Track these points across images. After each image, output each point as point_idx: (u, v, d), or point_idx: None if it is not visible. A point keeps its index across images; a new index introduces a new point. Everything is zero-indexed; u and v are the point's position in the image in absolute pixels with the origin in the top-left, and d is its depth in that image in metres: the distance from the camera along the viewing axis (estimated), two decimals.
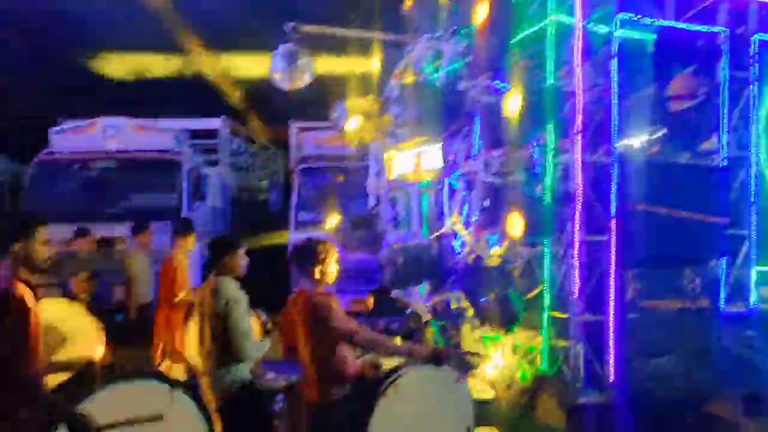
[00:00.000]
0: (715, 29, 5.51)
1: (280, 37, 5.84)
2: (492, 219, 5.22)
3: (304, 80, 5.95)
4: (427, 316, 5.58)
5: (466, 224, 5.64)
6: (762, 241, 5.65)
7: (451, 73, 5.67)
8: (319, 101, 8.08)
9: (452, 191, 5.78)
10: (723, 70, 5.52)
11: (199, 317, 4.37)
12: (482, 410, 4.65)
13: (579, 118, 5.14)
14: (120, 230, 8.00)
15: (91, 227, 7.93)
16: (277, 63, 5.90)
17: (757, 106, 5.72)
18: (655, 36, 5.34)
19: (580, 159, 5.13)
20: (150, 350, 6.07)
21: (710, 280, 5.37)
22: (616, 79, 5.21)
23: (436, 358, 3.69)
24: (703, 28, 5.45)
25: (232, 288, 4.21)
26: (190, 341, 6.41)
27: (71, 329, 4.92)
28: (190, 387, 3.77)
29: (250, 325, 4.26)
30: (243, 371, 4.20)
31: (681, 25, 5.44)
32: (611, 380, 5.15)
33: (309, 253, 3.79)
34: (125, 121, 10.74)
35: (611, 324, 5.19)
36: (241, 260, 4.28)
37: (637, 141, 5.30)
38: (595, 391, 5.16)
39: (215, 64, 15.72)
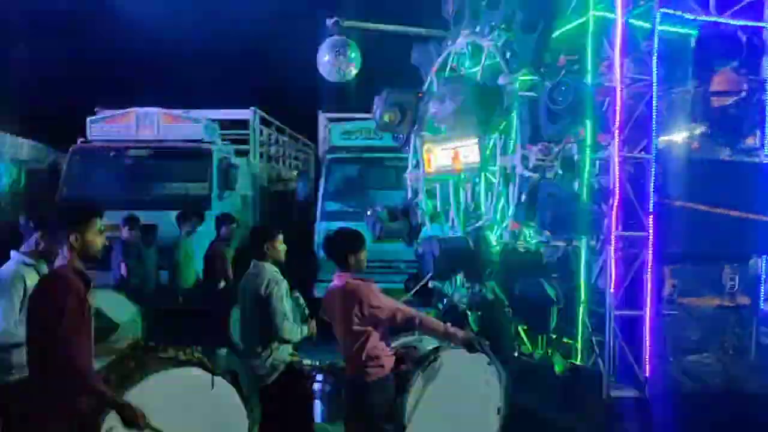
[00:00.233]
0: (761, 24, 5.44)
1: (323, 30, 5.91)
2: (528, 213, 5.25)
3: (350, 73, 6.03)
4: (463, 307, 5.65)
5: (503, 218, 5.67)
6: None
7: (491, 68, 5.69)
8: (359, 94, 8.15)
9: (489, 185, 5.81)
10: (767, 65, 5.47)
11: (242, 301, 4.53)
12: None
13: (618, 114, 5.13)
14: (161, 217, 8.19)
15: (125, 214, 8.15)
16: (323, 55, 6.00)
17: None
18: (697, 31, 5.30)
19: (618, 155, 5.14)
20: (194, 335, 6.25)
21: (750, 277, 5.34)
22: (656, 74, 5.19)
23: (470, 346, 3.77)
24: (747, 24, 5.38)
25: (271, 272, 4.37)
26: (233, 325, 6.65)
27: (118, 316, 5.11)
28: (231, 374, 3.89)
29: (290, 308, 4.40)
30: (283, 353, 4.34)
31: (724, 20, 5.38)
32: (647, 375, 5.17)
33: (341, 243, 3.92)
34: (158, 111, 10.92)
35: (648, 319, 5.21)
36: (279, 246, 4.45)
37: (677, 137, 5.28)
38: (630, 385, 5.19)
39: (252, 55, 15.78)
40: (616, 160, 5.13)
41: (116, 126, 10.73)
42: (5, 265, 3.85)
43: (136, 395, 3.31)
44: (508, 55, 5.27)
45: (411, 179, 6.75)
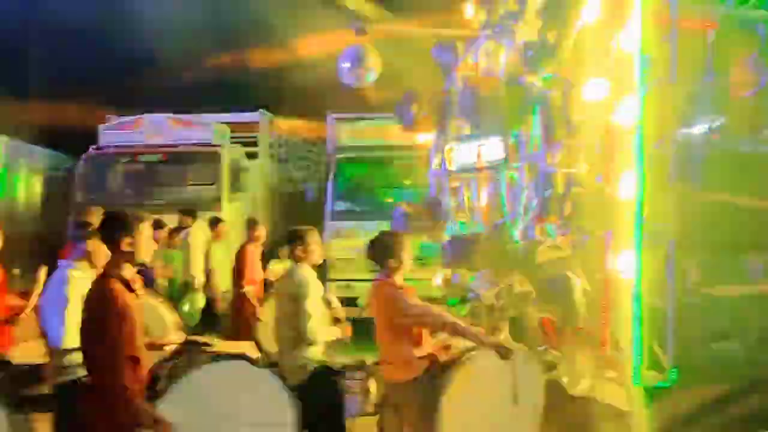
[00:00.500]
0: None
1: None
2: (552, 208, 5.34)
3: (370, 78, 6.14)
4: (490, 301, 5.75)
5: (526, 213, 5.77)
6: None
7: (512, 66, 5.78)
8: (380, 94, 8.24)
9: (513, 181, 5.91)
10: None
11: (277, 301, 4.63)
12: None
13: (638, 108, 5.22)
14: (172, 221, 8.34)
15: None
16: (343, 62, 6.10)
17: None
18: (715, 23, 5.38)
19: (640, 148, 5.22)
20: (229, 333, 6.39)
21: None
22: (675, 67, 5.28)
23: (503, 354, 3.82)
24: (766, 14, 5.47)
25: (305, 274, 4.47)
26: (265, 325, 6.77)
27: (153, 318, 5.19)
28: (274, 366, 3.98)
29: (321, 311, 4.49)
30: (315, 353, 4.43)
31: (741, 11, 5.47)
32: (672, 364, 5.27)
33: (384, 246, 4.00)
34: (166, 117, 11.06)
35: (672, 309, 5.31)
36: (315, 248, 4.53)
37: (697, 129, 5.37)
38: (657, 374, 5.28)
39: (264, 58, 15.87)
40: (638, 153, 5.22)
41: (127, 132, 10.87)
42: (55, 272, 3.94)
43: (184, 387, 3.43)
44: (529, 53, 5.35)
45: (434, 177, 6.85)
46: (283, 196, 13.40)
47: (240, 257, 6.88)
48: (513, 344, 4.93)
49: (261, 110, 12.69)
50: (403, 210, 6.50)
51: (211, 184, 10.71)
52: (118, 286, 3.08)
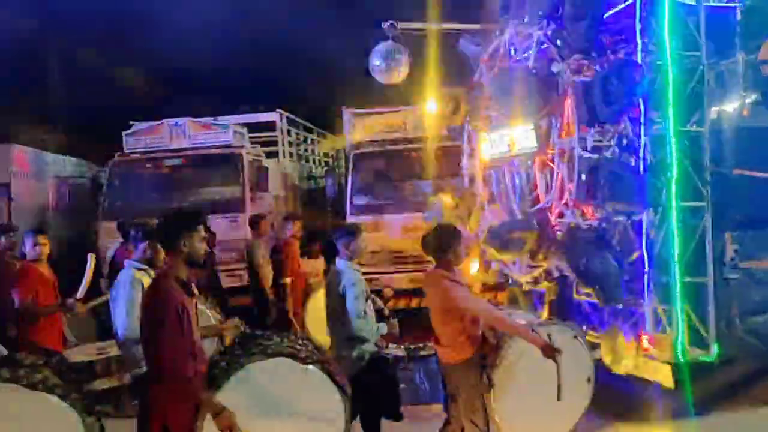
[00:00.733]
0: None
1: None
2: (590, 192, 5.44)
3: (400, 74, 6.24)
4: (527, 287, 5.87)
5: (561, 199, 5.87)
6: None
7: (542, 55, 5.86)
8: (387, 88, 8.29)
9: (545, 168, 6.01)
10: None
11: (327, 296, 4.74)
12: None
13: (670, 90, 5.31)
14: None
15: None
16: (375, 59, 6.20)
17: None
18: (742, 3, 5.45)
19: (673, 129, 5.32)
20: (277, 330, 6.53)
21: None
22: (705, 48, 5.36)
23: (549, 354, 3.90)
24: None
25: (349, 272, 4.55)
26: (311, 320, 6.93)
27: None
28: (322, 362, 4.08)
29: (366, 308, 4.57)
30: (368, 345, 4.55)
31: None
32: (713, 338, 5.38)
33: (439, 240, 4.11)
34: (188, 121, 11.17)
35: (711, 285, 5.42)
36: (359, 245, 4.63)
37: (728, 107, 5.45)
38: (699, 349, 5.40)
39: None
40: (672, 134, 5.32)
41: (150, 138, 11.00)
42: (122, 272, 4.15)
43: (242, 379, 3.60)
44: (558, 42, 5.43)
45: (466, 167, 6.95)
46: (305, 194, 13.52)
47: (283, 251, 6.99)
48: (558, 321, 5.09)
49: (278, 110, 12.80)
50: (439, 201, 6.61)
51: (234, 185, 10.83)
52: (174, 286, 3.16)
